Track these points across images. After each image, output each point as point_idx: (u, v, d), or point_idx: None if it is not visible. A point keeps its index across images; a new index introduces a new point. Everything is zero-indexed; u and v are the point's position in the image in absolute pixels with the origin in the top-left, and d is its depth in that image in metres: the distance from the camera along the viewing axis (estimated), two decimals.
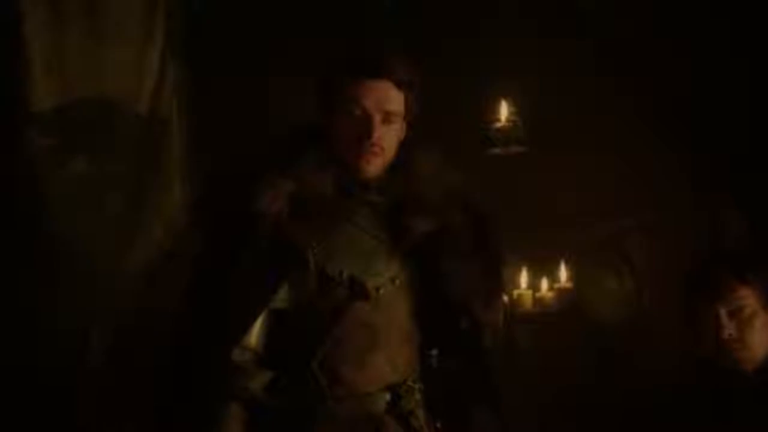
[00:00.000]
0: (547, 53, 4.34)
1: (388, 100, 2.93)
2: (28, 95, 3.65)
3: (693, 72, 4.37)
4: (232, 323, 2.86)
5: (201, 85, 3.88)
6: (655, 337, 4.35)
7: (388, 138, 2.94)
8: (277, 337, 2.90)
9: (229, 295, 2.84)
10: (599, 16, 4.40)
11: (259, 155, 2.98)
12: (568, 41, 4.38)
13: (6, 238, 3.59)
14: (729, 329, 3.27)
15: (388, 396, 2.94)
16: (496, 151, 4.04)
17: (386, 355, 2.94)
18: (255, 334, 2.88)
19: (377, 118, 2.91)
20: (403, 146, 3.00)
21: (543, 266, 4.27)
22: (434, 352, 3.04)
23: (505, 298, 3.16)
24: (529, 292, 4.20)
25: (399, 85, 2.94)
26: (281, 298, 2.88)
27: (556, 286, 4.25)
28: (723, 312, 3.27)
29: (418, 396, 2.98)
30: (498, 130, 4.05)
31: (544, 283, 4.25)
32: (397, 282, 2.96)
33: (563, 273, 4.24)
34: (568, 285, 4.23)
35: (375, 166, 2.93)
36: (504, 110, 4.07)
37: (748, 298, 3.29)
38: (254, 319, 2.87)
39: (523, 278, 4.21)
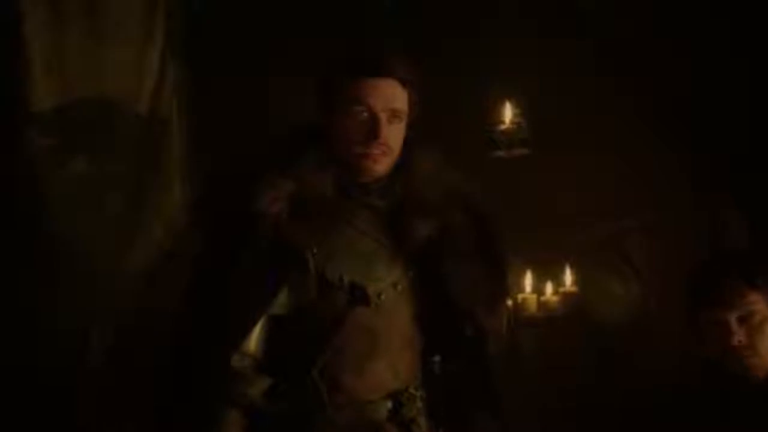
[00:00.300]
0: (547, 53, 4.28)
1: (393, 98, 2.84)
2: (28, 95, 3.59)
3: (693, 72, 4.31)
4: (232, 327, 2.76)
5: (201, 85, 3.81)
6: (656, 337, 4.28)
7: (394, 137, 2.85)
8: (277, 343, 2.80)
9: (229, 298, 2.75)
10: (599, 16, 4.33)
11: (258, 155, 2.89)
12: (568, 41, 4.32)
13: (6, 238, 3.53)
14: (739, 336, 3.15)
15: (389, 404, 2.84)
16: (500, 153, 3.92)
17: (387, 361, 2.84)
18: (254, 339, 2.78)
19: (383, 117, 2.82)
20: (404, 147, 2.91)
21: (547, 269, 4.19)
22: (436, 358, 2.94)
23: (509, 302, 3.02)
24: (534, 296, 4.11)
25: (403, 83, 2.86)
26: (281, 303, 2.78)
27: (561, 290, 4.16)
28: (732, 318, 3.15)
29: (420, 403, 2.88)
30: (502, 132, 3.94)
31: (549, 287, 4.16)
32: (399, 287, 2.85)
33: (568, 276, 4.15)
34: (573, 289, 4.14)
35: (382, 166, 2.84)
36: (508, 112, 3.96)
37: (758, 303, 3.17)
38: (254, 323, 2.77)
39: (528, 282, 4.12)
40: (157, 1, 3.78)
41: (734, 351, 3.16)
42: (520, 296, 4.09)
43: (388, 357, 2.83)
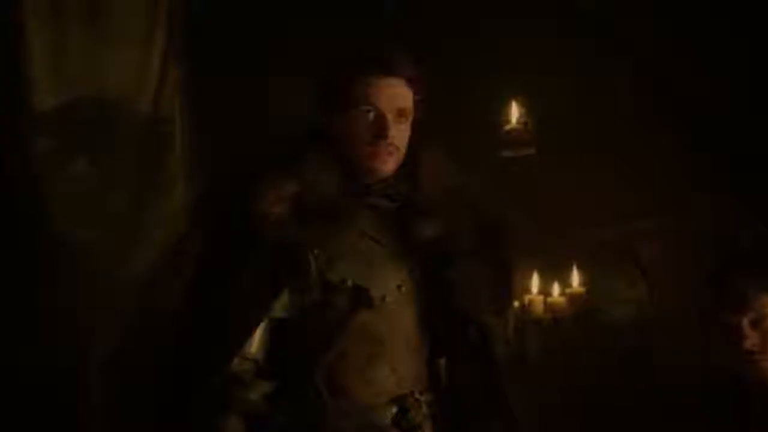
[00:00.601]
0: (550, 53, 4.23)
1: (399, 97, 2.77)
2: (29, 95, 3.47)
3: (709, 73, 4.23)
4: (232, 330, 2.67)
5: (203, 85, 3.72)
6: (663, 338, 4.20)
7: (400, 137, 2.77)
8: (279, 347, 2.71)
9: (230, 300, 2.65)
10: (601, 16, 4.27)
11: (260, 156, 2.81)
12: (576, 41, 4.27)
13: (7, 238, 3.42)
14: (752, 339, 3.09)
15: (394, 409, 2.74)
16: (508, 153, 3.83)
17: (392, 366, 2.74)
18: (256, 343, 2.69)
19: (391, 116, 2.74)
20: (408, 148, 2.82)
21: (554, 270, 4.11)
22: (442, 362, 2.85)
23: (516, 304, 2.93)
24: (541, 297, 4.03)
25: (409, 82, 2.78)
26: (282, 305, 2.69)
27: (568, 290, 4.07)
28: (745, 322, 3.09)
29: (425, 409, 2.78)
30: (508, 132, 3.84)
31: (556, 288, 4.07)
32: (403, 289, 2.76)
33: (575, 277, 4.04)
34: (580, 290, 4.04)
35: (389, 166, 2.76)
36: (515, 112, 3.86)
37: None
38: (255, 326, 2.68)
39: (534, 283, 4.03)
40: (159, 1, 3.68)
41: (747, 354, 3.10)
42: (526, 297, 4.02)
43: (392, 361, 2.74)
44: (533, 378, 3.76)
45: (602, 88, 4.22)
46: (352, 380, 2.70)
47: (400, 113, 2.75)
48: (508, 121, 3.89)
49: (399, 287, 2.75)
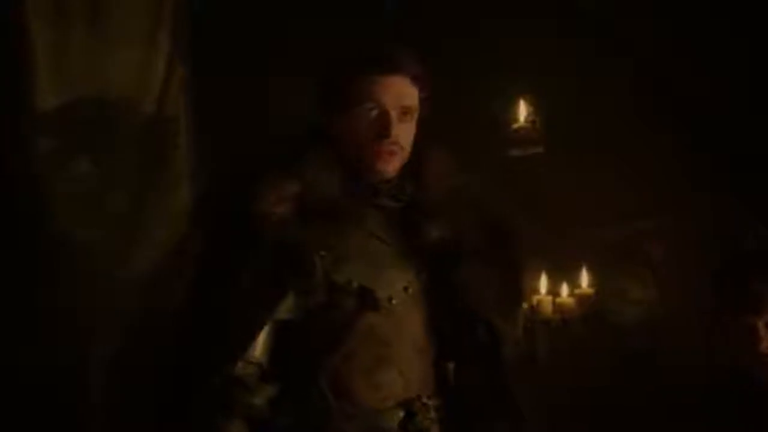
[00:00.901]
0: (554, 53, 4.10)
1: (403, 95, 2.68)
2: (31, 95, 3.39)
3: (709, 73, 4.12)
4: (235, 334, 2.58)
5: (206, 85, 3.64)
6: (673, 339, 4.06)
7: (404, 135, 2.69)
8: (283, 349, 2.62)
9: (232, 302, 2.57)
10: (600, 16, 4.18)
11: (261, 155, 2.72)
12: (577, 41, 4.15)
13: (8, 238, 3.35)
14: (767, 341, 3.02)
15: (401, 413, 2.66)
16: (515, 152, 3.74)
17: (399, 369, 2.66)
18: (259, 346, 2.60)
19: (394, 115, 2.65)
20: (414, 147, 2.73)
21: (563, 271, 3.99)
22: (450, 365, 2.77)
23: (525, 305, 2.84)
24: (549, 297, 3.91)
25: (413, 80, 2.69)
26: (286, 308, 2.60)
27: (577, 291, 3.96)
28: (761, 324, 3.01)
29: (433, 413, 2.70)
30: (516, 131, 3.74)
31: (564, 289, 3.96)
32: (410, 291, 2.68)
33: (584, 278, 3.95)
34: (589, 290, 3.94)
35: (393, 165, 2.68)
36: (522, 111, 3.76)
37: None
38: (258, 330, 2.59)
39: (543, 283, 3.92)
40: (162, 0, 3.59)
41: (762, 356, 3.03)
42: (535, 298, 3.91)
43: (399, 364, 2.66)
44: (542, 378, 3.70)
45: (603, 88, 4.12)
46: (358, 383, 2.62)
47: (405, 111, 2.67)
48: (516, 120, 3.77)
49: (406, 289, 2.66)
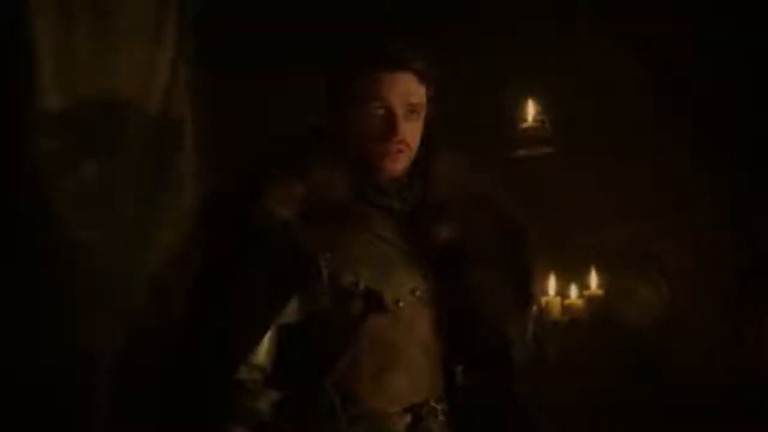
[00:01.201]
0: (567, 53, 4.08)
1: (410, 92, 2.58)
2: (35, 95, 3.35)
3: (727, 73, 4.08)
4: (238, 338, 2.49)
5: (213, 84, 3.59)
6: (683, 341, 4.05)
7: (411, 134, 2.60)
8: (287, 353, 2.53)
9: (236, 305, 2.49)
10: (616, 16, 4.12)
11: (266, 156, 2.63)
12: (586, 41, 4.12)
13: (11, 239, 3.30)
14: None
15: (408, 418, 2.57)
16: (524, 152, 3.67)
17: (406, 373, 2.57)
18: (263, 350, 2.51)
19: (401, 112, 2.56)
20: (422, 146, 2.65)
21: (572, 272, 3.94)
22: (459, 369, 2.67)
23: (535, 308, 2.77)
24: (558, 299, 3.86)
25: (421, 77, 2.60)
26: (291, 311, 2.51)
27: (586, 292, 3.90)
28: None
29: (441, 417, 2.61)
30: (525, 130, 3.67)
31: (573, 290, 3.90)
32: (418, 293, 2.58)
33: (593, 279, 3.88)
34: (599, 292, 3.88)
35: (400, 165, 2.59)
36: (531, 110, 3.71)
37: None
38: (262, 333, 2.50)
39: (551, 284, 3.86)
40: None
41: None
42: (543, 299, 3.84)
43: (406, 368, 2.57)
44: (549, 379, 3.65)
45: (616, 88, 4.08)
46: (365, 388, 2.54)
47: (412, 109, 2.58)
48: (525, 120, 3.75)
49: (414, 291, 2.57)
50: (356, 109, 2.56)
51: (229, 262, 2.50)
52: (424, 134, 2.63)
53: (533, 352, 2.72)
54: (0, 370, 3.21)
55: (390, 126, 2.55)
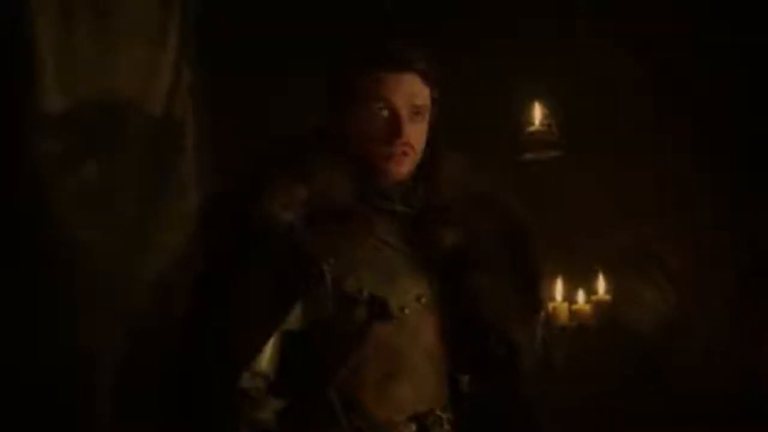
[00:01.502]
0: (569, 54, 3.98)
1: (415, 94, 2.50)
2: (36, 95, 3.29)
3: (729, 73, 3.98)
4: (241, 344, 2.41)
5: (215, 86, 3.54)
6: (690, 346, 3.96)
7: (416, 136, 2.52)
8: (290, 361, 2.46)
9: (238, 312, 2.41)
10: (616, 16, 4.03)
11: (267, 157, 2.54)
12: (588, 42, 4.02)
13: (11, 240, 3.26)
14: None
15: (413, 427, 2.50)
16: (531, 156, 3.59)
17: (411, 381, 2.49)
18: (266, 358, 2.43)
19: (405, 114, 2.48)
20: (426, 149, 2.57)
21: (579, 276, 3.82)
22: (464, 377, 2.59)
23: (543, 314, 2.69)
24: (565, 304, 3.75)
25: (425, 78, 2.52)
26: (295, 318, 2.44)
27: (594, 298, 3.79)
28: None
29: (447, 426, 2.53)
30: (532, 134, 3.61)
31: (581, 295, 3.79)
32: (424, 300, 2.50)
33: (601, 284, 3.79)
34: (607, 297, 3.78)
35: (405, 168, 2.51)
36: (537, 113, 3.63)
37: None
38: (265, 340, 2.42)
39: (558, 289, 3.75)
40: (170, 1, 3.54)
41: None
42: (550, 305, 3.72)
43: (411, 376, 2.49)
44: (557, 385, 3.59)
45: (619, 89, 3.99)
46: (369, 396, 2.46)
47: (416, 111, 2.50)
48: (531, 123, 3.66)
49: (419, 298, 2.49)
50: (359, 110, 2.49)
51: (230, 267, 2.43)
52: (428, 136, 2.56)
53: (541, 358, 2.64)
54: (0, 370, 3.17)
55: (394, 128, 2.47)
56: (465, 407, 2.57)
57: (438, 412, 2.51)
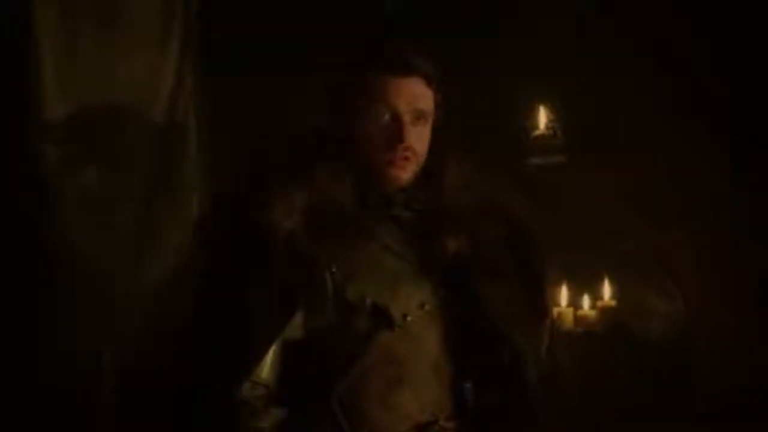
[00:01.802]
0: (579, 54, 3.95)
1: (418, 98, 2.44)
2: (38, 101, 3.27)
3: (747, 73, 3.93)
4: (241, 353, 2.35)
5: (219, 91, 3.51)
6: (699, 353, 3.94)
7: (419, 141, 2.45)
8: (292, 370, 2.39)
9: (239, 321, 2.35)
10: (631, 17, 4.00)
11: (268, 164, 2.48)
12: (599, 42, 3.98)
13: (13, 243, 3.25)
14: None
15: None
16: (536, 161, 3.54)
17: (414, 391, 2.43)
18: (267, 366, 2.37)
19: (408, 118, 2.42)
20: (429, 153, 2.50)
21: (584, 282, 3.78)
22: (469, 385, 2.52)
23: (548, 321, 2.63)
24: (570, 309, 3.70)
25: (428, 81, 2.45)
26: (296, 326, 2.37)
27: (599, 303, 3.74)
28: None
29: None
30: (536, 138, 3.55)
31: (586, 300, 3.74)
32: (427, 308, 2.44)
33: (606, 289, 3.74)
34: (612, 302, 3.74)
35: (407, 173, 2.45)
36: (543, 117, 3.58)
37: None
38: (266, 349, 2.36)
39: (563, 295, 3.71)
40: (174, 3, 3.47)
41: None
42: (555, 310, 3.65)
43: (415, 385, 2.43)
44: (563, 390, 3.54)
45: (627, 92, 3.94)
46: (372, 406, 2.40)
47: (419, 115, 2.44)
48: (536, 128, 3.59)
49: (422, 305, 2.43)
50: (361, 115, 2.43)
51: (231, 276, 2.37)
52: (431, 141, 2.49)
53: (547, 365, 2.57)
54: (0, 370, 3.16)
55: (396, 132, 2.41)
56: (470, 417, 2.50)
57: (442, 422, 2.44)
